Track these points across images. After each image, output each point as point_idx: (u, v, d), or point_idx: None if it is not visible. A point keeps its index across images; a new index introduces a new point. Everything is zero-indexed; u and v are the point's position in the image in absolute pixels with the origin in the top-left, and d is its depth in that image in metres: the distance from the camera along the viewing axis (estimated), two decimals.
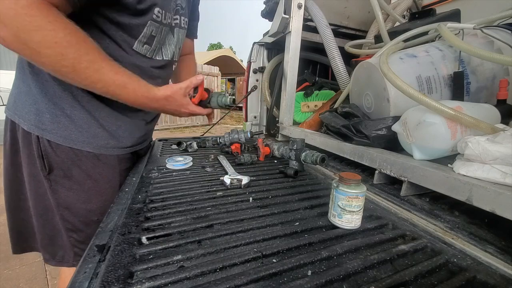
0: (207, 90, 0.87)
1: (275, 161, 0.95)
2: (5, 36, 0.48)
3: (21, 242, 0.79)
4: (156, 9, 0.66)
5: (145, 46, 0.71)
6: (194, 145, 1.07)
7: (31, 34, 0.48)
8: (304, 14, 1.12)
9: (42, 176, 0.69)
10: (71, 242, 0.75)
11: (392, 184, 0.72)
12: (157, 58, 0.77)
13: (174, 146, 1.14)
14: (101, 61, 0.58)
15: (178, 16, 0.79)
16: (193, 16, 0.96)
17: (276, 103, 1.36)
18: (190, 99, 0.80)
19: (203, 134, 1.30)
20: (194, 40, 1.06)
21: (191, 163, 0.87)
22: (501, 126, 0.58)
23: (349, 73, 1.11)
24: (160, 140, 1.25)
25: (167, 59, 0.80)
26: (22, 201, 0.75)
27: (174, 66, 0.88)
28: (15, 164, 0.72)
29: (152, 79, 0.73)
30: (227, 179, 0.70)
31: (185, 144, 1.07)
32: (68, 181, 0.71)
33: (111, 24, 0.63)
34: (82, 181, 0.72)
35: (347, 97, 1.03)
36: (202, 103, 0.85)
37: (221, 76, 8.72)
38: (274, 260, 0.40)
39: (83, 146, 0.70)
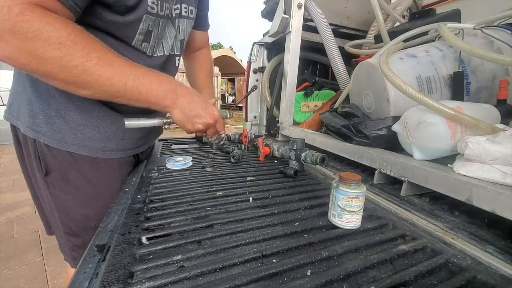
0: None
1: (275, 161, 0.95)
2: (10, 53, 0.44)
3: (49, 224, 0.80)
4: (150, 0, 0.60)
5: (143, 44, 0.66)
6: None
7: (33, 41, 0.44)
8: (304, 14, 1.12)
9: (40, 177, 0.68)
10: (69, 245, 0.73)
11: (392, 184, 0.72)
12: (158, 55, 0.72)
13: (174, 146, 1.14)
14: (112, 56, 0.53)
15: (178, 5, 0.72)
16: (201, 6, 0.88)
17: (276, 103, 1.36)
18: None
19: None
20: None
21: (191, 163, 0.87)
22: (501, 126, 0.58)
23: (349, 73, 1.11)
24: (160, 140, 1.25)
25: (166, 54, 0.74)
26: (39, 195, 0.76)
27: (177, 61, 0.81)
28: (24, 163, 0.72)
29: None
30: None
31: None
32: (66, 184, 0.68)
33: (105, 24, 0.59)
34: (80, 185, 0.70)
35: (347, 97, 1.03)
36: None
37: (221, 76, 8.71)
38: (274, 260, 0.40)
39: (78, 150, 0.67)
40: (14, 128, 0.69)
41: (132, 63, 0.57)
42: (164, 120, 0.69)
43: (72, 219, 0.71)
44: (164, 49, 0.73)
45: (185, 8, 0.75)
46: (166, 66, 0.77)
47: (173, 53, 0.78)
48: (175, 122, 0.68)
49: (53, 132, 0.64)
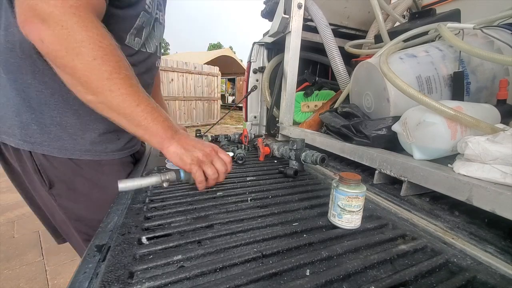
0: None
1: (275, 161, 0.95)
2: (45, 36, 0.44)
3: (59, 234, 0.80)
4: (148, 0, 0.62)
5: (136, 39, 0.66)
6: (208, 136, 1.25)
7: (75, 32, 0.45)
8: (304, 14, 1.12)
9: (45, 191, 0.65)
10: None
11: (392, 184, 0.72)
12: (147, 51, 0.73)
13: None
14: (134, 79, 0.54)
15: (158, 11, 0.73)
16: None
17: (276, 103, 1.36)
18: None
19: (204, 134, 1.30)
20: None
21: None
22: (501, 126, 0.58)
23: (349, 73, 1.11)
24: None
25: (150, 51, 0.75)
26: (39, 207, 0.74)
27: (157, 63, 0.83)
28: (16, 180, 0.70)
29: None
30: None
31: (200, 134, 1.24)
32: (73, 193, 0.67)
33: (104, 17, 0.56)
34: (88, 191, 0.68)
35: (347, 97, 1.03)
36: None
37: (221, 76, 8.71)
38: (274, 260, 0.40)
39: (81, 155, 0.64)
40: None
41: (148, 95, 0.56)
42: (162, 178, 0.58)
43: (88, 225, 0.70)
44: (151, 47, 0.74)
45: (162, 15, 0.77)
46: (149, 64, 0.77)
47: (155, 54, 0.79)
48: (171, 160, 0.59)
49: (52, 141, 0.61)
